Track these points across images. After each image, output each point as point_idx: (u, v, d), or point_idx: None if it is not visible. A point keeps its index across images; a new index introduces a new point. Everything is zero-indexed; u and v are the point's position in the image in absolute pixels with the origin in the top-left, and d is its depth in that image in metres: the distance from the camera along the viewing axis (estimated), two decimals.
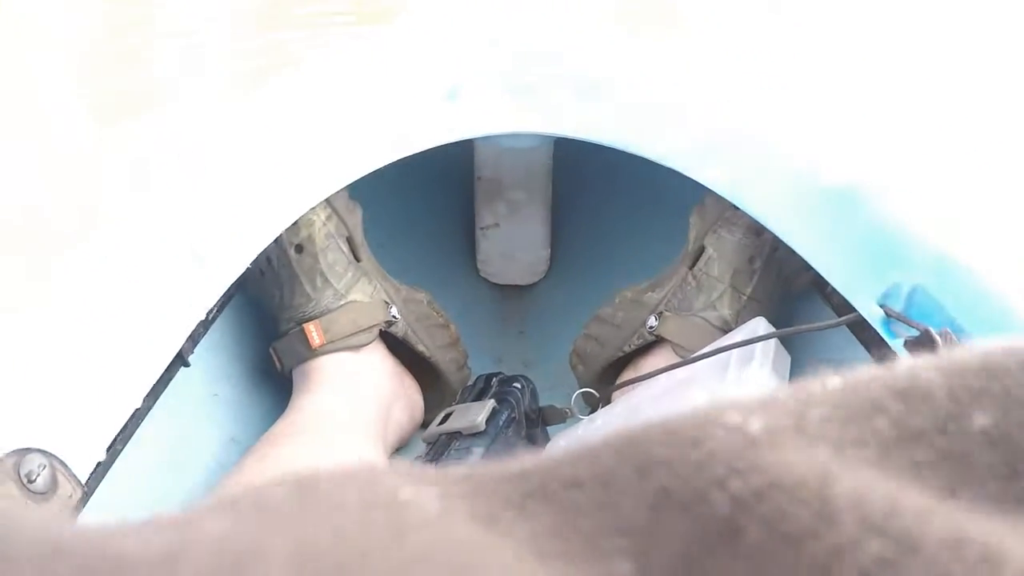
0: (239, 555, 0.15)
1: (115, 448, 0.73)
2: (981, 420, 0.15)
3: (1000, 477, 0.15)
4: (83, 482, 0.68)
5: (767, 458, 0.15)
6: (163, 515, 0.17)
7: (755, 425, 0.16)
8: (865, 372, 0.17)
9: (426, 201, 1.42)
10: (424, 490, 0.17)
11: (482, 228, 1.39)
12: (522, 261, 1.40)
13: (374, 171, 0.97)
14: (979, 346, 0.17)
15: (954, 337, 0.73)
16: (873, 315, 0.80)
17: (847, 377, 0.17)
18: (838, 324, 0.84)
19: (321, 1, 1.04)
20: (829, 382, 0.17)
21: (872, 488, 0.14)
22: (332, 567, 0.14)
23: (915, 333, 0.75)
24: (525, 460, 0.17)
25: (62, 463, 0.67)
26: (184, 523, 0.17)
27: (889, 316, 0.79)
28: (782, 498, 0.15)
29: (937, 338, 0.72)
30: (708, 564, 0.15)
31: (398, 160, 0.99)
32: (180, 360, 0.83)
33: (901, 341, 0.77)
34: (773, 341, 0.89)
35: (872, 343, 0.83)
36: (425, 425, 1.09)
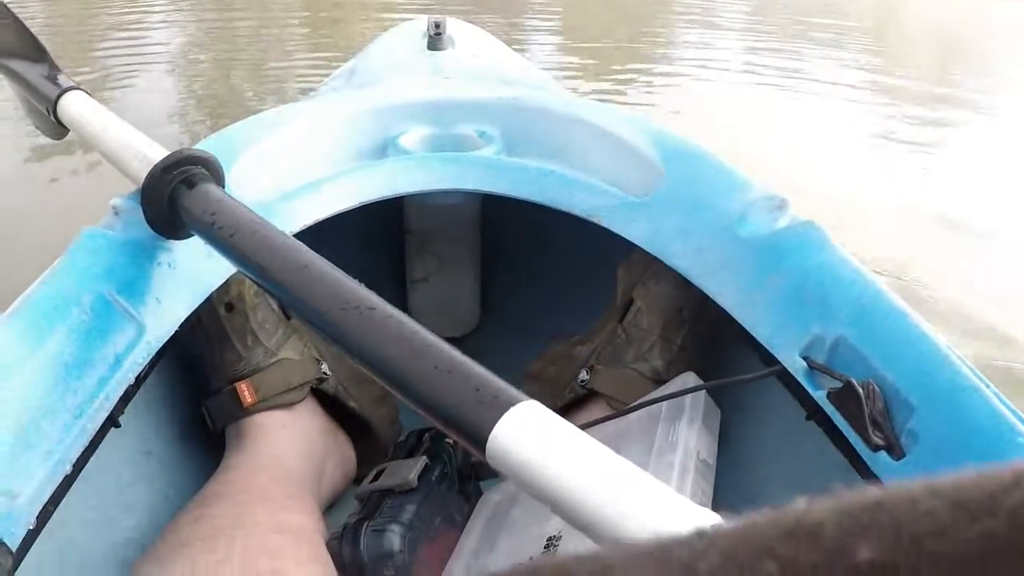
0: None
1: (46, 511, 0.72)
2: (867, 551, 0.16)
3: None
4: (13, 550, 0.67)
5: None
6: None
7: None
8: (759, 514, 0.17)
9: (357, 256, 1.42)
10: None
11: (413, 281, 1.39)
12: (453, 314, 1.41)
13: (304, 227, 0.98)
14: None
15: (876, 389, 0.74)
16: (797, 367, 0.81)
17: (739, 521, 0.17)
18: (763, 376, 0.85)
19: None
20: (725, 524, 0.17)
21: None
22: None
23: (838, 384, 0.76)
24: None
25: None
26: None
27: (812, 368, 0.80)
28: None
29: (859, 390, 0.73)
30: None
31: (329, 216, 1.00)
32: (111, 421, 0.82)
33: (825, 393, 0.78)
34: (703, 396, 0.90)
35: (801, 394, 0.83)
36: (358, 479, 1.09)
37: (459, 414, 0.51)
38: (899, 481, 0.17)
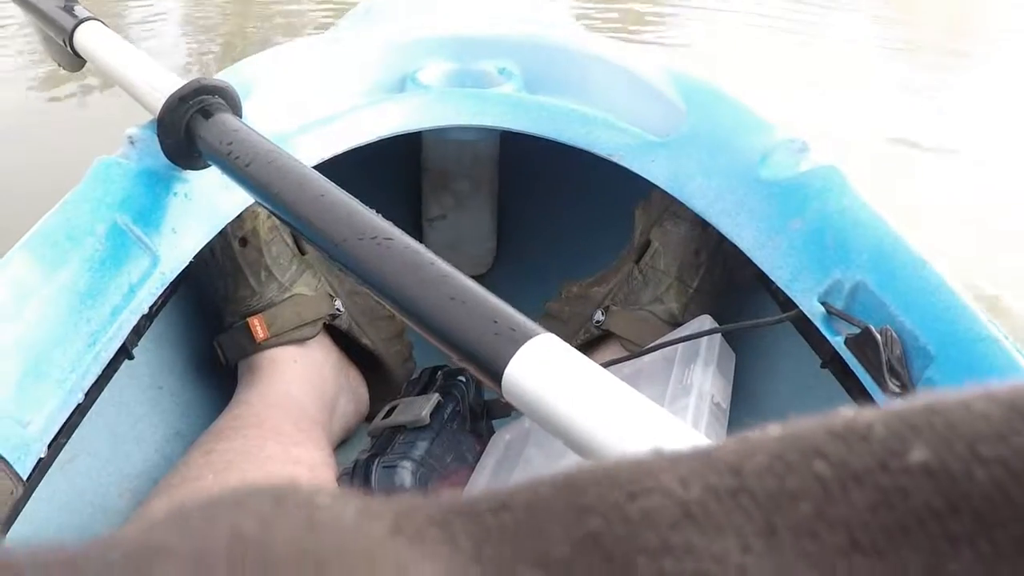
0: (141, 555, 0.14)
1: (58, 443, 0.72)
2: (920, 453, 0.15)
3: (937, 514, 0.15)
4: (24, 479, 0.67)
5: (699, 542, 0.15)
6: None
7: (693, 492, 0.15)
8: (806, 420, 0.17)
9: (373, 193, 1.41)
10: (344, 500, 0.16)
11: (429, 219, 1.38)
12: (469, 252, 1.40)
13: (320, 162, 0.97)
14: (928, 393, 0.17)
15: (895, 335, 0.73)
16: (815, 312, 0.81)
17: (788, 425, 0.17)
18: (780, 321, 0.84)
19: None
20: (769, 430, 0.17)
21: None
22: (228, 555, 0.14)
23: (856, 330, 0.76)
24: (456, 490, 0.17)
25: (2, 459, 0.66)
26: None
27: (830, 313, 0.79)
28: None
29: (877, 336, 0.73)
30: None
31: (345, 151, 0.99)
32: (124, 353, 0.82)
33: (842, 339, 0.77)
34: (718, 339, 0.89)
35: (816, 340, 0.83)
36: (370, 417, 1.09)
37: (476, 346, 0.51)
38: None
